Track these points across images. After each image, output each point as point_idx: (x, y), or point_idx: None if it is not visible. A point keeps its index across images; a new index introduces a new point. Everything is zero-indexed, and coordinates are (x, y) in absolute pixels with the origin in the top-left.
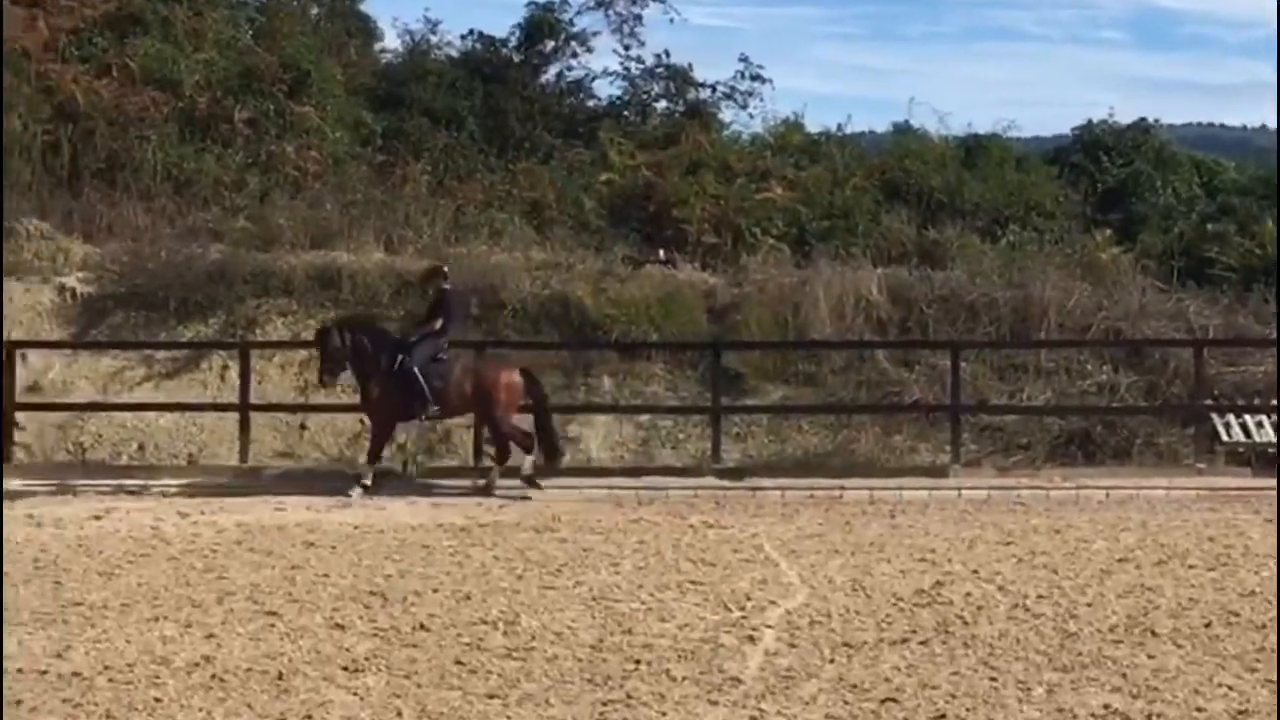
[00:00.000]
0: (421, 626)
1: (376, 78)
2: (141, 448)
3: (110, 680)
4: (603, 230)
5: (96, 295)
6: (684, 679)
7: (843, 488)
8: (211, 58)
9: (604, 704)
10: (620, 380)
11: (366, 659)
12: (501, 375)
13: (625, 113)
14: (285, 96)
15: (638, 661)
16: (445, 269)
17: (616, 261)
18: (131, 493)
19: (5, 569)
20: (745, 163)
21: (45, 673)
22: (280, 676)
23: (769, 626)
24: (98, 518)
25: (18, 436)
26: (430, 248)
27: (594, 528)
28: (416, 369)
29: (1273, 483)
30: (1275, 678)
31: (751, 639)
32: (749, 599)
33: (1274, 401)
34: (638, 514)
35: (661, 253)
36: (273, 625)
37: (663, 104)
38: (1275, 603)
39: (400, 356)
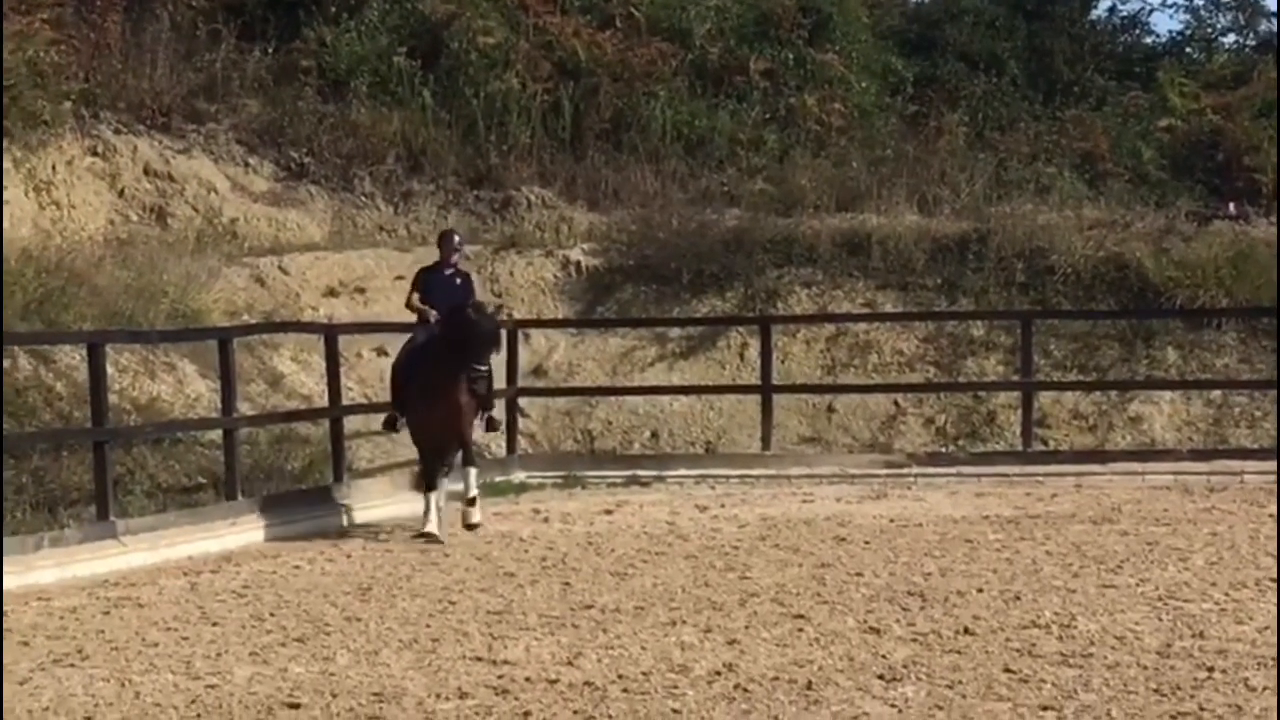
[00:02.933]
0: (965, 630)
1: (906, 19)
2: (654, 435)
3: (624, 690)
4: (1163, 183)
5: (603, 268)
6: (1265, 689)
7: None
8: (724, 3)
9: (1172, 716)
10: (1187, 352)
11: (905, 666)
12: None
13: (1188, 50)
14: (805, 43)
15: (1211, 669)
16: (458, 236)
17: (1180, 218)
18: (644, 484)
19: (512, 567)
20: None
21: (555, 682)
22: (810, 686)
23: None
24: (608, 512)
25: (521, 424)
26: (969, 207)
27: (1159, 518)
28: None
29: None
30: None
31: None
32: None
33: None
34: (1209, 502)
35: (1232, 206)
36: (801, 629)
37: (1230, 38)
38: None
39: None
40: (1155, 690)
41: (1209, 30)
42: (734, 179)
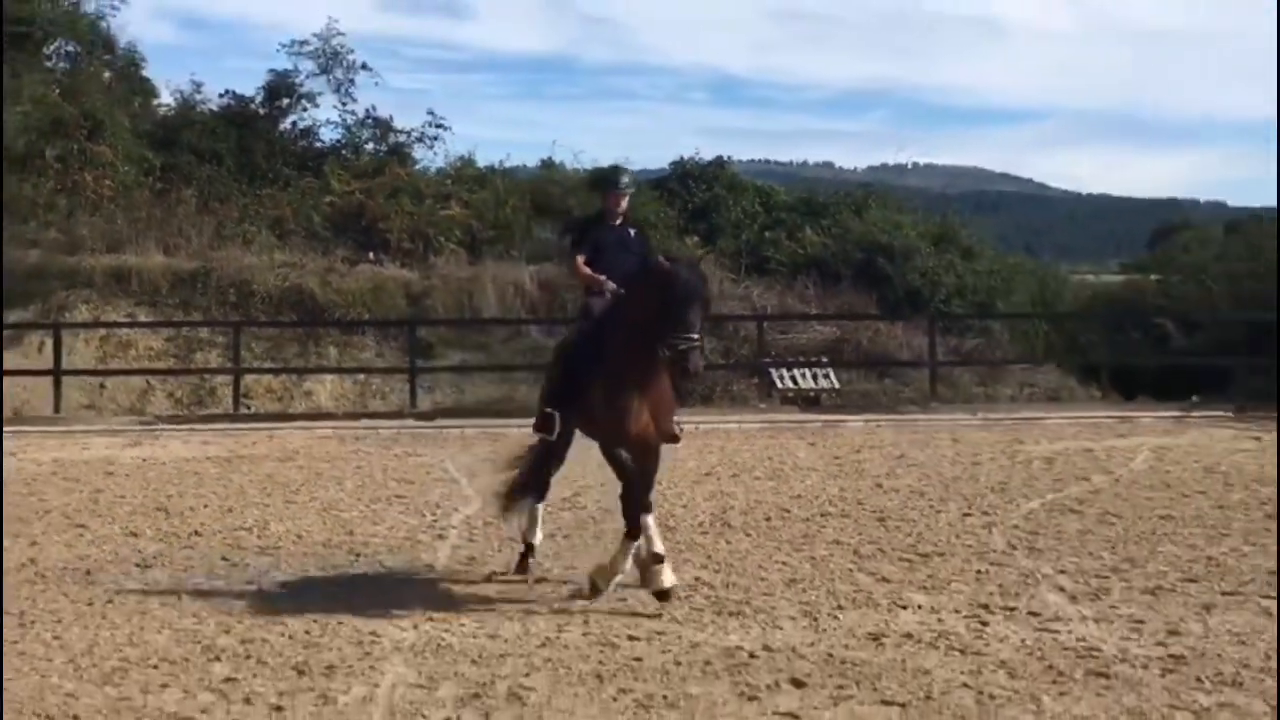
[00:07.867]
0: (196, 533)
1: (156, 125)
2: None
3: None
4: (328, 238)
5: None
6: (393, 567)
7: (506, 426)
8: (28, 110)
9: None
10: (342, 349)
11: (154, 558)
12: None
13: (343, 151)
14: (86, 139)
15: (358, 555)
16: (627, 175)
17: (338, 261)
18: None
19: None
20: (433, 189)
21: None
22: (89, 572)
23: (454, 527)
24: None
25: None
26: (199, 251)
27: (324, 457)
28: None
29: (814, 417)
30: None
31: (441, 536)
32: (439, 507)
33: (819, 358)
34: (356, 447)
35: (371, 255)
36: (81, 534)
37: (371, 145)
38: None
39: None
40: (322, 570)
41: (357, 139)
42: (35, 230)
